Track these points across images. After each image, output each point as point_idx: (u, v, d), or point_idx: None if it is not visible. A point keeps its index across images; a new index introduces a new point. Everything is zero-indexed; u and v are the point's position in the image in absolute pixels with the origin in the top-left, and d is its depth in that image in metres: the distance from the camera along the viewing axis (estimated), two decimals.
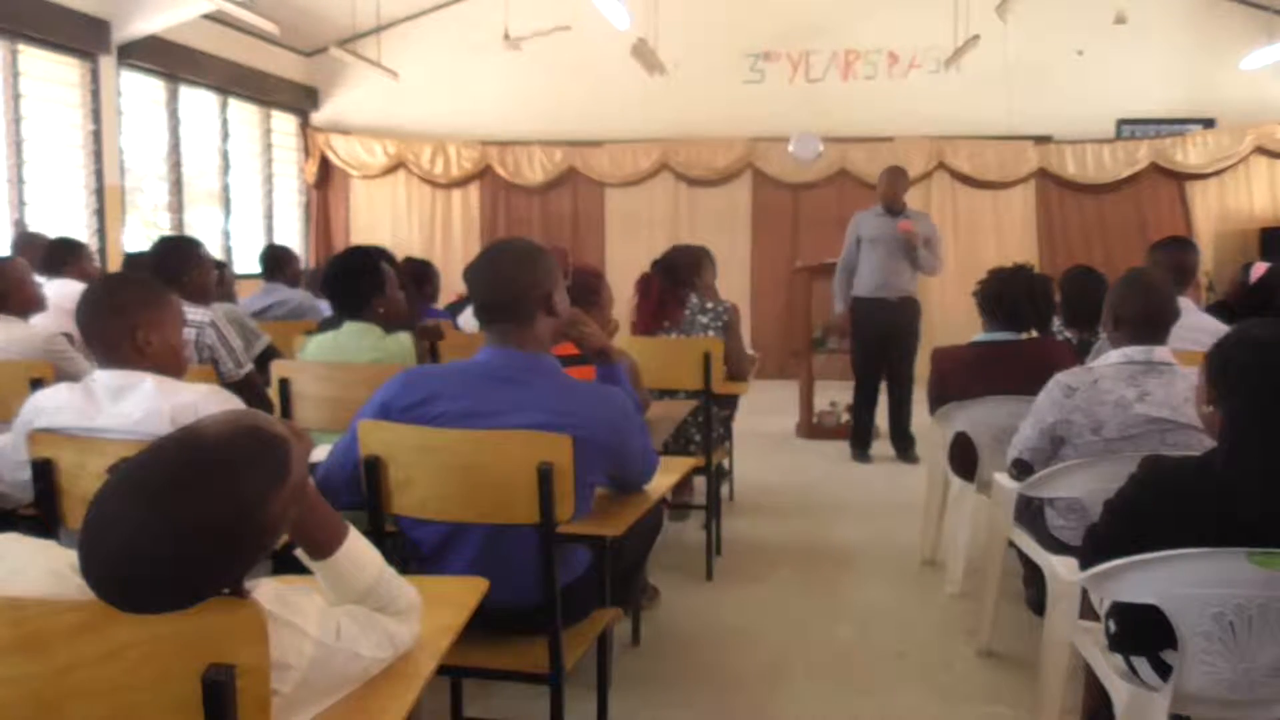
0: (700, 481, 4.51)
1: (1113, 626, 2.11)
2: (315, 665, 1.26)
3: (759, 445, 6.27)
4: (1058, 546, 2.84)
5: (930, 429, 4.03)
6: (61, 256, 4.53)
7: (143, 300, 2.26)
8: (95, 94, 7.02)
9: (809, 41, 9.34)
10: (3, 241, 6.18)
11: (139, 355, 2.22)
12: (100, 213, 7.10)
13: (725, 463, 4.92)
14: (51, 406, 2.23)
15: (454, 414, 2.13)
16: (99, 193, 7.09)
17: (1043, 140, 9.15)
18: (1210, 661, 1.93)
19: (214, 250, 7.79)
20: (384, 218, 9.87)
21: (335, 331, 3.31)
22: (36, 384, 2.81)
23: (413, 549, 2.27)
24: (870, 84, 9.32)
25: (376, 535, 2.09)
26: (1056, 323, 3.89)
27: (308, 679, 1.25)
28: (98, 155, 7.06)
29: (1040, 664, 2.71)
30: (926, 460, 4.83)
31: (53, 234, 5.10)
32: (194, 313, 3.38)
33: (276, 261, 5.67)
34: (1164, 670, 2.00)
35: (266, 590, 1.24)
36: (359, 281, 3.27)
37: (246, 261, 8.23)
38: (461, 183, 9.83)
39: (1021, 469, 2.95)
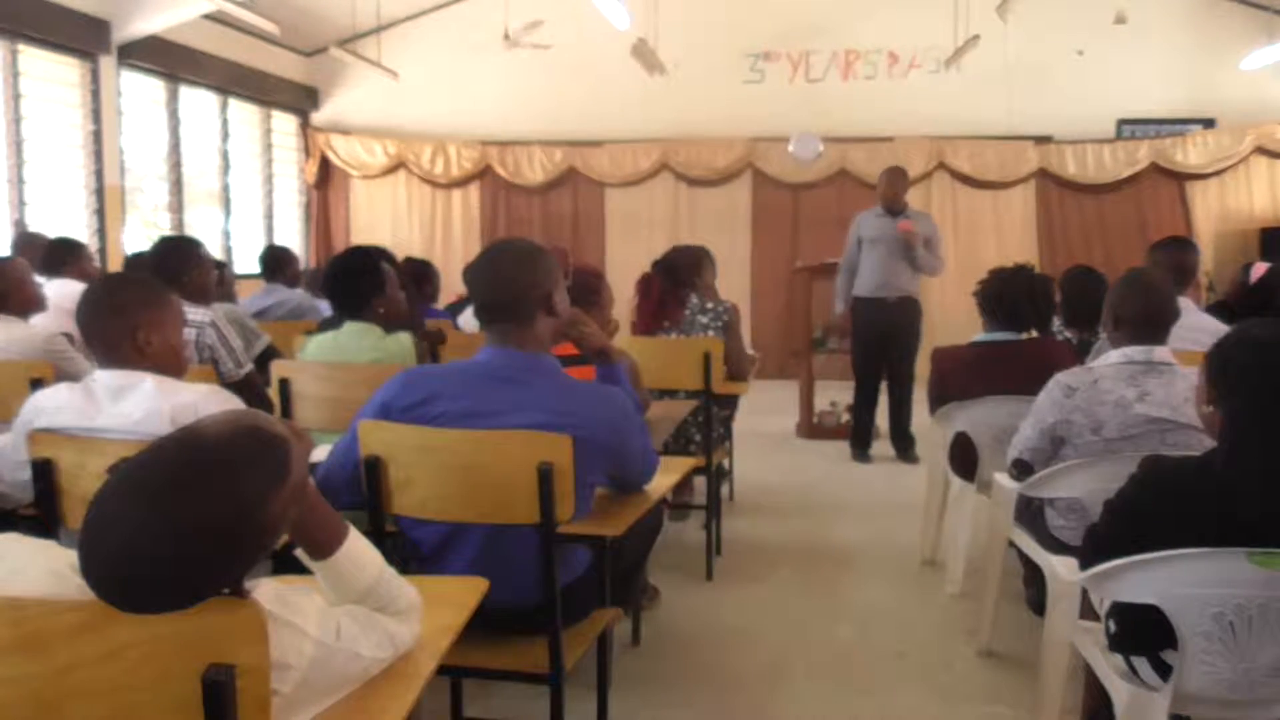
0: (700, 481, 4.51)
1: (1113, 626, 2.11)
2: (315, 665, 1.26)
3: (759, 445, 6.27)
4: (1058, 546, 2.84)
5: (930, 429, 4.03)
6: (61, 256, 4.53)
7: (143, 300, 2.26)
8: (95, 94, 7.02)
9: (809, 41, 9.34)
10: (3, 241, 6.18)
11: (139, 355, 2.22)
12: (100, 213, 7.10)
13: (725, 463, 4.92)
14: (51, 406, 2.23)
15: (454, 414, 2.13)
16: (99, 193, 7.09)
17: (1043, 140, 9.15)
18: (1210, 661, 1.93)
19: (214, 250, 7.78)
20: (384, 218, 9.87)
21: (335, 331, 3.31)
22: (36, 384, 2.82)
23: (413, 549, 2.27)
24: (870, 84, 9.32)
25: (376, 535, 2.10)
26: (1056, 323, 3.89)
27: (308, 679, 1.25)
28: (98, 155, 7.06)
29: (1040, 664, 2.71)
30: (926, 460, 4.83)
31: (53, 234, 5.10)
32: (194, 313, 3.38)
33: (276, 262, 5.68)
34: (1164, 670, 2.00)
35: (266, 590, 1.24)
36: (359, 281, 3.27)
37: (246, 261, 8.23)
38: (461, 183, 9.83)
39: (1021, 469, 2.95)
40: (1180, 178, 9.07)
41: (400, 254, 4.72)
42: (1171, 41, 8.99)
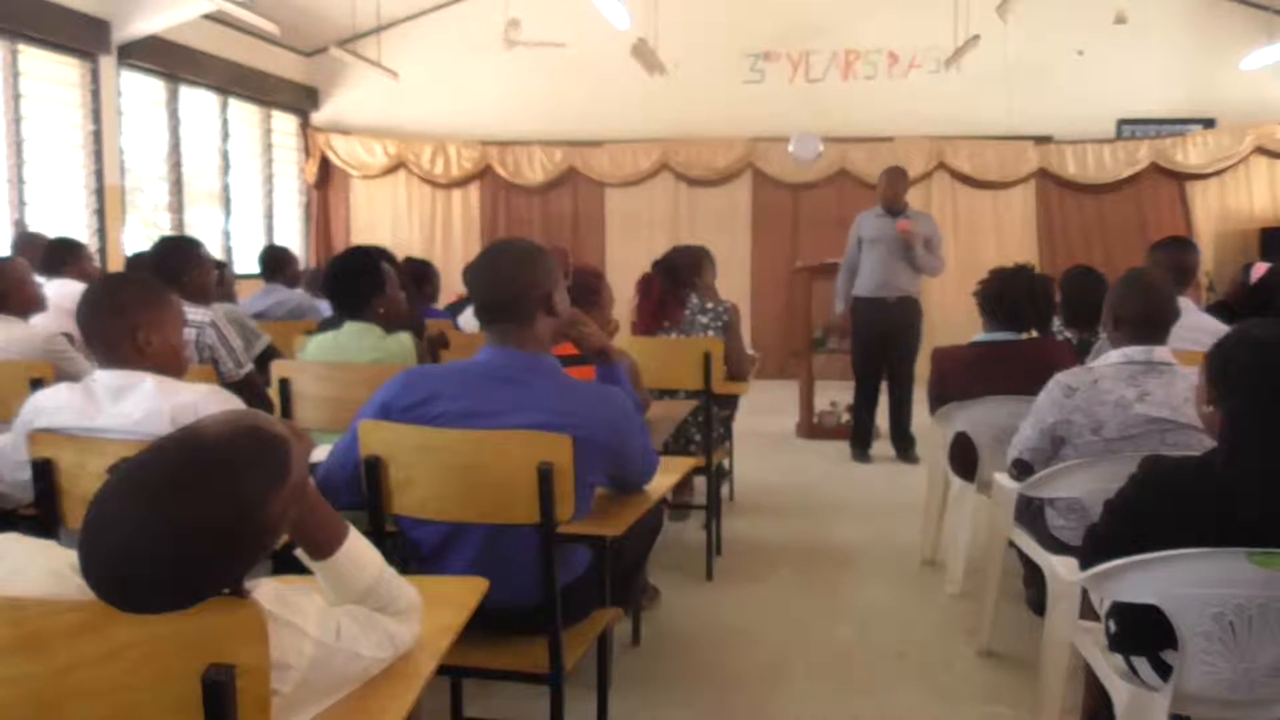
0: (700, 481, 4.51)
1: (1113, 626, 2.11)
2: (315, 665, 1.26)
3: (759, 445, 6.27)
4: (1058, 546, 2.84)
5: (930, 429, 4.03)
6: (61, 256, 4.53)
7: (143, 300, 2.26)
8: (95, 94, 7.02)
9: (809, 41, 9.34)
10: (3, 241, 6.18)
11: (139, 355, 2.22)
12: (100, 213, 7.10)
13: (725, 463, 4.92)
14: (51, 406, 2.23)
15: (454, 414, 2.13)
16: (99, 193, 7.09)
17: (1043, 140, 9.15)
18: (1210, 661, 1.93)
19: (214, 250, 7.79)
20: (384, 218, 9.87)
21: (335, 331, 3.31)
22: (36, 384, 2.82)
23: (413, 549, 2.27)
24: (870, 84, 9.32)
25: (376, 535, 2.10)
26: (1056, 323, 3.89)
27: (308, 679, 1.25)
28: (98, 155, 7.06)
29: (1040, 664, 2.71)
30: (926, 460, 4.83)
31: (53, 234, 5.10)
32: (194, 313, 3.38)
33: (276, 262, 5.69)
34: (1164, 670, 2.00)
35: (266, 590, 1.24)
36: (359, 281, 3.27)
37: (246, 261, 8.23)
38: (461, 183, 9.83)
39: (1021, 469, 2.95)
40: (1180, 178, 9.07)
41: (400, 254, 4.72)
42: (1171, 41, 8.99)
